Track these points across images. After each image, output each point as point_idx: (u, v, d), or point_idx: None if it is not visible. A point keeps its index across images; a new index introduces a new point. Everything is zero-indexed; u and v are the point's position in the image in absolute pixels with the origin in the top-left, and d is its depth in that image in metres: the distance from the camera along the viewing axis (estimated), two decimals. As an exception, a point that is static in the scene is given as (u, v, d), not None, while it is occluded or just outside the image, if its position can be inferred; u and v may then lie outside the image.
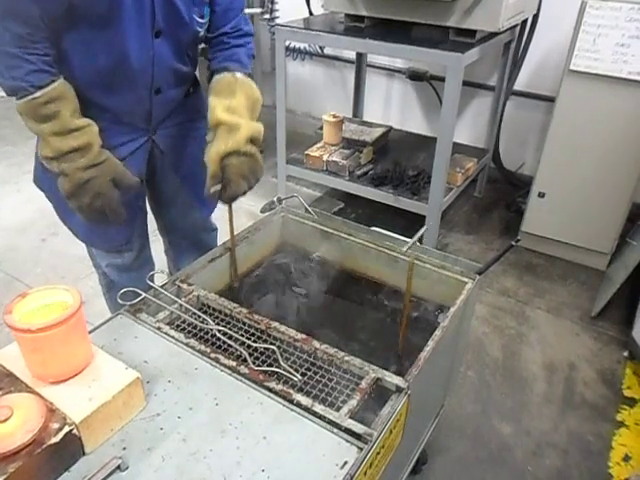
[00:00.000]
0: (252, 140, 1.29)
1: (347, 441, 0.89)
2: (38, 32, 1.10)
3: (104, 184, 1.23)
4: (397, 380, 1.01)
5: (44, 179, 1.39)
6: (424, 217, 2.59)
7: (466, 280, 1.35)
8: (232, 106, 1.29)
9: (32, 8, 1.06)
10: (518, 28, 2.89)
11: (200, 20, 1.30)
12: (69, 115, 1.15)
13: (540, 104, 3.16)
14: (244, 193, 1.32)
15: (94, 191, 1.22)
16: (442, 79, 2.38)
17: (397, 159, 2.93)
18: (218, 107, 1.28)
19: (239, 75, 1.32)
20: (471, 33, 2.35)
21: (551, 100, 2.94)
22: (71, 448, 0.81)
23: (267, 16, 3.61)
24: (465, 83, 2.32)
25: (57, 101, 1.13)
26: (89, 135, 1.19)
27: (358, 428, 0.90)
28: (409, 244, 1.27)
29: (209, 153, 1.27)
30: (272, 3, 3.62)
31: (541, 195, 2.65)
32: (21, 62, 1.09)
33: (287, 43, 3.01)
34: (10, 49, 1.08)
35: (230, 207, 1.36)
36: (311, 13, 3.44)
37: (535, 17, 2.86)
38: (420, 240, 1.32)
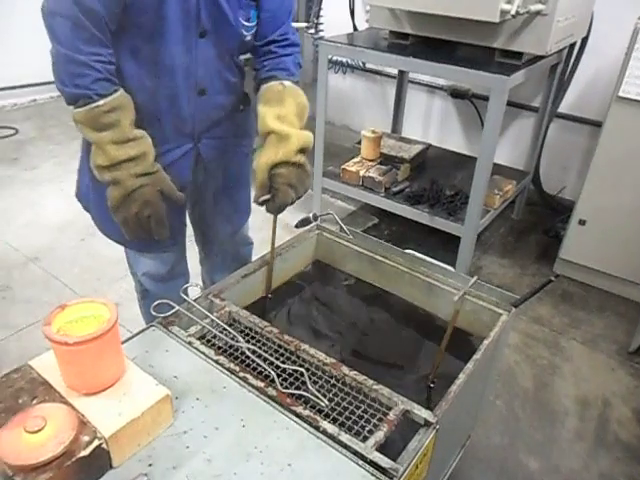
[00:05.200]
0: (302, 150, 1.28)
1: (372, 474, 0.87)
2: (104, 34, 1.11)
3: (154, 193, 1.23)
4: (426, 414, 0.99)
5: (88, 197, 1.41)
6: (459, 238, 2.55)
7: (501, 312, 1.32)
8: (282, 114, 1.28)
9: (96, 3, 1.08)
10: (566, 50, 2.84)
11: (246, 23, 1.29)
12: (128, 124, 1.17)
13: (584, 128, 3.09)
14: (292, 203, 1.30)
15: (143, 199, 1.21)
16: (484, 97, 2.36)
17: (434, 177, 2.89)
18: (268, 115, 1.28)
19: (287, 83, 1.32)
20: (517, 55, 2.32)
21: (596, 124, 2.88)
22: (99, 462, 0.82)
23: (312, 31, 3.64)
24: (507, 103, 2.28)
25: (118, 110, 1.15)
26: (145, 145, 1.20)
27: (384, 462, 0.88)
28: (459, 295, 1.17)
29: (258, 162, 1.26)
30: (317, 18, 3.65)
31: (582, 222, 2.58)
32: (88, 70, 1.10)
33: (330, 57, 3.02)
34: (79, 56, 1.09)
35: (275, 217, 1.35)
36: (355, 28, 3.46)
37: (584, 40, 2.80)
38: (453, 264, 1.29)
